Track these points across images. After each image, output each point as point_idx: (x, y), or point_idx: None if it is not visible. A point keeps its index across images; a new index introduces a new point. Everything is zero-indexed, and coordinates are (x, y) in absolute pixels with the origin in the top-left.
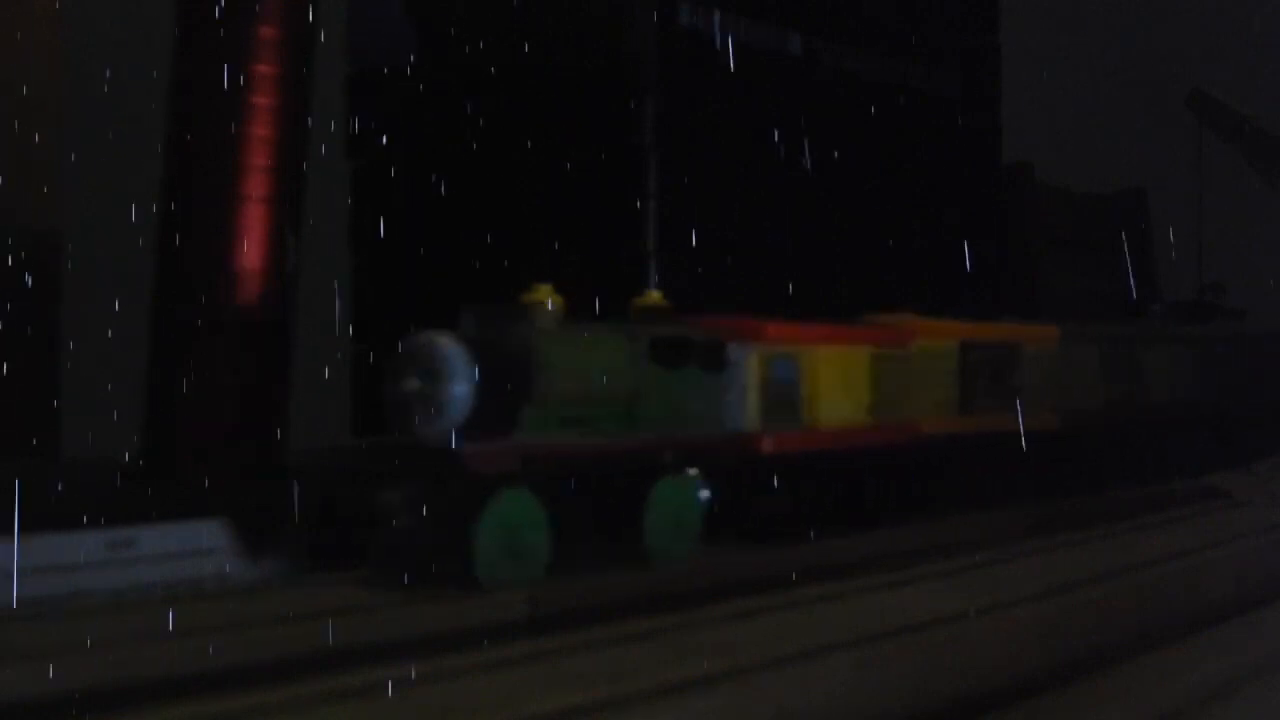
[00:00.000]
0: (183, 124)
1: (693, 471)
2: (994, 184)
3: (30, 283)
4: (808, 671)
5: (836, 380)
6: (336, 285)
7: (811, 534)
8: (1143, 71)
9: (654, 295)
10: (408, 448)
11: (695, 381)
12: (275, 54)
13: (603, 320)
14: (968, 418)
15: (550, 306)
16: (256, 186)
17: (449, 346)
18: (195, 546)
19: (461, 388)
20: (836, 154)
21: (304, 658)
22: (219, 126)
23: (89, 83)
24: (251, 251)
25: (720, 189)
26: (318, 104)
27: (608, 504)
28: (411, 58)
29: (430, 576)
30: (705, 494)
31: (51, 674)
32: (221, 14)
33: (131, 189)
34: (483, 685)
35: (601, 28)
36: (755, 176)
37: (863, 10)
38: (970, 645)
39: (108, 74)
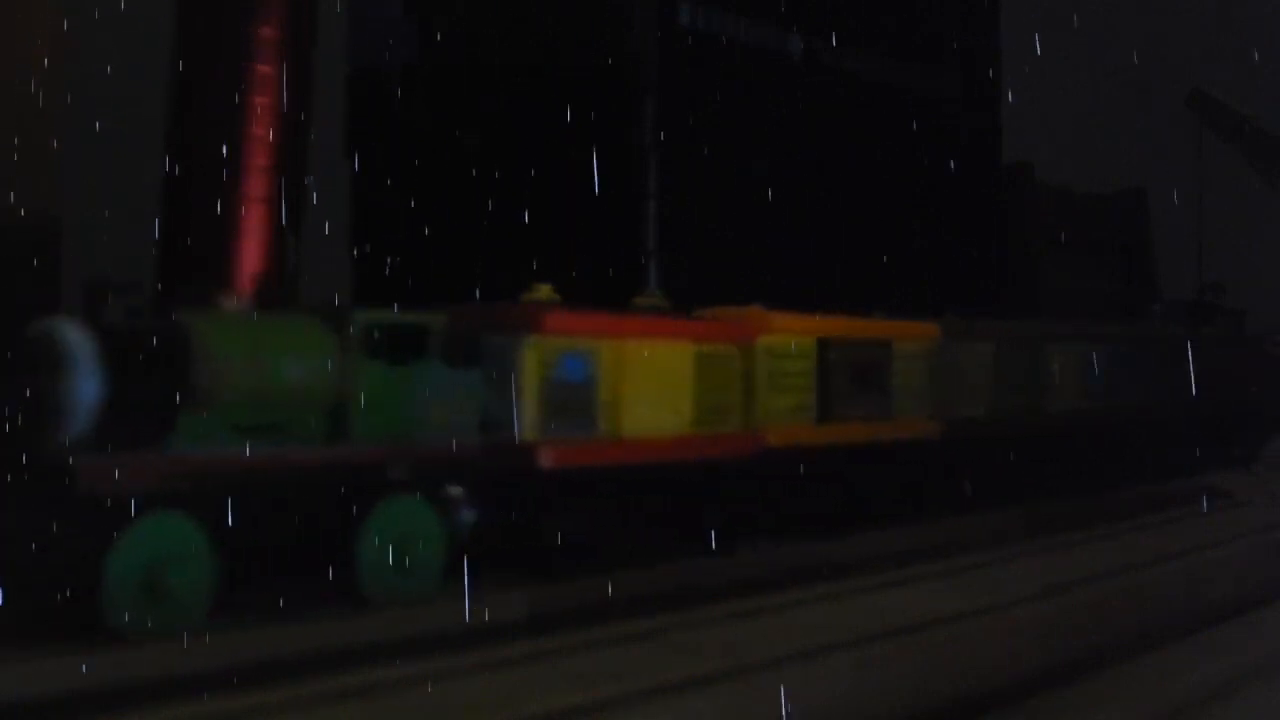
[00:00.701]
0: (183, 124)
1: (455, 491)
2: (994, 184)
3: (29, 280)
4: (808, 671)
5: (647, 382)
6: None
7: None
8: (1143, 71)
9: (654, 295)
10: (23, 462)
11: (439, 380)
12: (275, 54)
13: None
14: (827, 427)
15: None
16: (256, 186)
17: (71, 335)
18: None
19: (86, 386)
20: (836, 154)
21: (301, 658)
22: (219, 126)
23: (89, 82)
24: (251, 252)
25: (720, 188)
26: (318, 104)
27: (305, 532)
28: (411, 58)
29: (50, 626)
30: (470, 517)
31: (51, 674)
32: (221, 14)
33: (131, 188)
34: (483, 685)
35: (602, 28)
36: (755, 176)
37: (863, 11)
38: (970, 645)
39: (108, 73)
